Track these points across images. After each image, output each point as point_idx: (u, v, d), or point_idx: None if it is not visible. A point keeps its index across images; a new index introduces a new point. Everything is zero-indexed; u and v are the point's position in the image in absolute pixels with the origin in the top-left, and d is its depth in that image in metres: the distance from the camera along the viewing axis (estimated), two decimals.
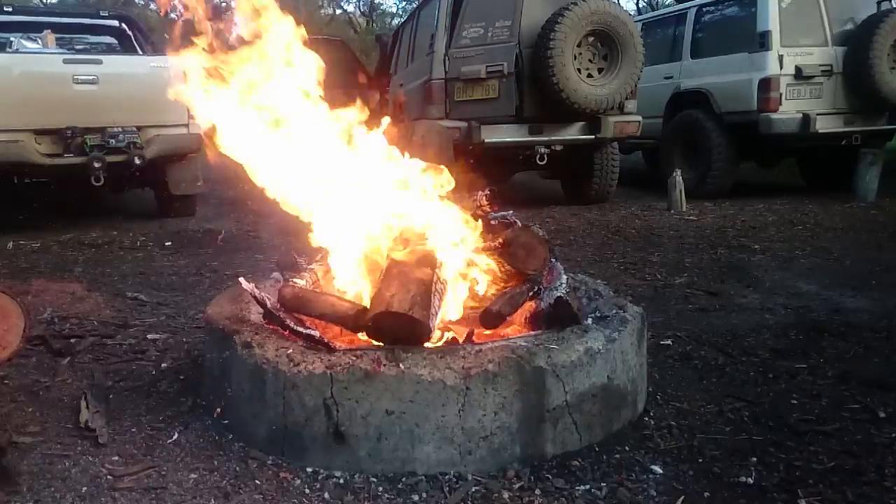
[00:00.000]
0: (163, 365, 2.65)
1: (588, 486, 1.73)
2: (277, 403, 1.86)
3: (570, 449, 1.88)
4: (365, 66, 9.73)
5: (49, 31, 6.39)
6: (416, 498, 1.69)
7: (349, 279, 2.28)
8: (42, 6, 18.06)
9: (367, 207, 2.20)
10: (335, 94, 2.25)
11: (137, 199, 7.46)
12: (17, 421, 2.15)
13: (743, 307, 3.33)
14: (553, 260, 2.42)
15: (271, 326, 2.09)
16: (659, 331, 2.93)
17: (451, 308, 2.23)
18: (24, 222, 6.29)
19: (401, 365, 1.78)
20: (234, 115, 2.14)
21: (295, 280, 2.25)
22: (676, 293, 3.63)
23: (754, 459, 1.86)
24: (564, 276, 2.33)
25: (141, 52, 6.89)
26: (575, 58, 6.14)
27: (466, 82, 6.36)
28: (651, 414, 2.14)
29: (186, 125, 6.04)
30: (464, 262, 2.24)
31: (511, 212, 2.46)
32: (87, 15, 8.36)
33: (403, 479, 1.76)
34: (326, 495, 1.71)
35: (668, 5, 13.51)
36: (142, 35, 7.23)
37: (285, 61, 2.17)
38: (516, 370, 1.80)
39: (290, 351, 1.88)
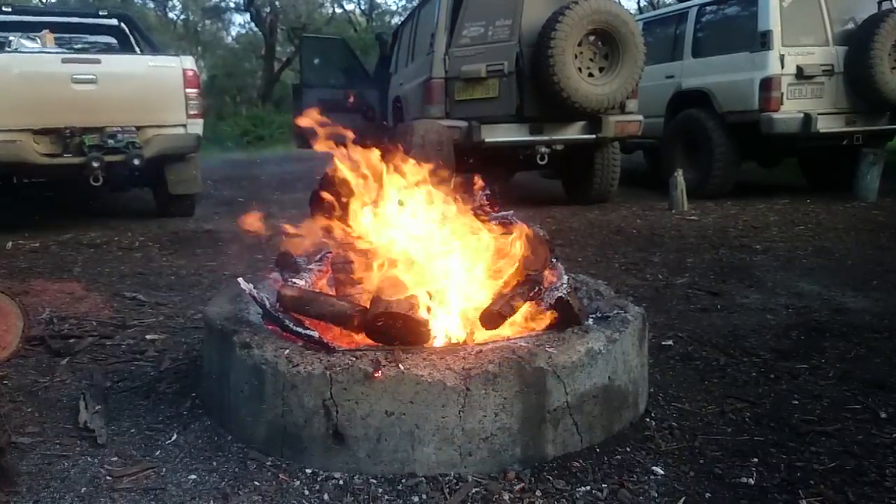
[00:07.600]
0: (162, 365, 2.64)
1: (589, 488, 1.73)
2: (276, 404, 1.85)
3: (571, 450, 1.87)
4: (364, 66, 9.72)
5: (47, 30, 6.37)
6: (416, 499, 1.68)
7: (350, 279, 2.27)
8: (41, 5, 18.07)
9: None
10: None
11: (136, 199, 7.46)
12: (17, 421, 2.15)
13: (744, 307, 3.32)
14: (554, 260, 2.41)
15: (270, 327, 2.08)
16: (660, 331, 2.93)
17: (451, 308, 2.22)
18: (23, 222, 6.27)
19: (400, 366, 1.77)
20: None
21: (294, 280, 2.24)
22: (678, 293, 3.62)
23: (755, 460, 1.85)
24: (565, 276, 2.31)
25: (140, 52, 6.88)
26: (576, 57, 6.13)
27: (466, 81, 6.34)
28: (652, 415, 2.13)
29: (185, 125, 6.03)
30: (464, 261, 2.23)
31: (511, 212, 2.44)
32: (86, 14, 8.35)
33: (403, 481, 1.75)
34: (326, 496, 1.70)
35: (669, 4, 13.48)
36: (141, 35, 7.22)
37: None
38: (517, 371, 1.79)
39: (289, 352, 1.87)
